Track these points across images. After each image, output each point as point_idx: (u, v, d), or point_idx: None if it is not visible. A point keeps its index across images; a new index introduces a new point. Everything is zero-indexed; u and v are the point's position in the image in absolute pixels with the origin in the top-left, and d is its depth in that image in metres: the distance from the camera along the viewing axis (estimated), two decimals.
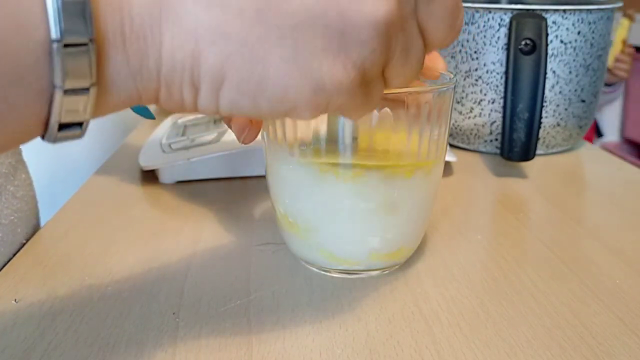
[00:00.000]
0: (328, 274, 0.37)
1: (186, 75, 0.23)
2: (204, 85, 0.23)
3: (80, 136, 0.23)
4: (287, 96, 0.24)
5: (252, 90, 0.23)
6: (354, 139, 0.33)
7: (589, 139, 1.77)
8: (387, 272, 0.37)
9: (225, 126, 0.57)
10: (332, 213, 0.34)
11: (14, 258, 0.39)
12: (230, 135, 0.55)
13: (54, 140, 0.22)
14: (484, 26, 0.58)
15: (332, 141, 0.33)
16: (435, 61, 0.35)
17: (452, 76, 0.35)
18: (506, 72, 0.56)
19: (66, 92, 0.21)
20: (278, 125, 0.34)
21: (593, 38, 0.59)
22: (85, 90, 0.21)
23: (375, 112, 0.32)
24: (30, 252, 0.40)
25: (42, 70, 0.20)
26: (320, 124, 0.33)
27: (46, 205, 0.52)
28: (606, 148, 1.81)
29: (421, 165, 0.34)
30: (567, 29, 0.58)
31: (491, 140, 0.62)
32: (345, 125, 0.32)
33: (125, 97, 0.23)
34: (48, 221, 0.45)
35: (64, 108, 0.21)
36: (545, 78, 0.54)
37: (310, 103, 0.24)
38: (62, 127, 0.22)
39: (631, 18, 1.84)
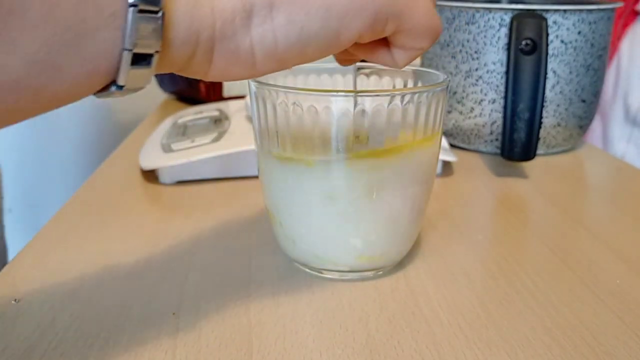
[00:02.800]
0: (320, 274, 0.37)
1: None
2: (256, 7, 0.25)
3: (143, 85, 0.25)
4: None
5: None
6: (346, 137, 0.33)
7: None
8: (380, 272, 0.37)
9: (225, 126, 0.57)
10: (315, 214, 0.35)
11: (14, 258, 0.39)
12: (230, 136, 0.55)
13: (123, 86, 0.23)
14: (484, 26, 0.58)
15: (319, 137, 0.33)
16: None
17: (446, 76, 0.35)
18: (507, 72, 0.56)
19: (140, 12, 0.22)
20: (270, 117, 0.34)
21: (593, 38, 0.59)
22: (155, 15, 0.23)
23: (369, 111, 0.32)
24: (30, 252, 0.40)
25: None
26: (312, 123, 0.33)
27: (46, 206, 0.52)
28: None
29: (414, 153, 0.34)
30: (567, 29, 0.58)
31: (491, 140, 0.62)
32: (339, 123, 0.32)
33: (184, 37, 0.24)
34: (48, 221, 0.45)
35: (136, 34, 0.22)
36: (545, 78, 0.54)
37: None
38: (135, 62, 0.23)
39: None
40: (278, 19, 0.26)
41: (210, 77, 0.27)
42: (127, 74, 0.23)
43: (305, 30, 0.26)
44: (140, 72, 0.24)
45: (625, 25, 0.95)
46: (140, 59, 0.23)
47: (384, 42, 0.31)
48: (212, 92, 0.80)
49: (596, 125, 0.98)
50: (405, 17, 0.28)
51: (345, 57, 0.33)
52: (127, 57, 0.23)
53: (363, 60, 0.34)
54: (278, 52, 0.26)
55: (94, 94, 0.24)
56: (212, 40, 0.25)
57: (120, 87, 0.23)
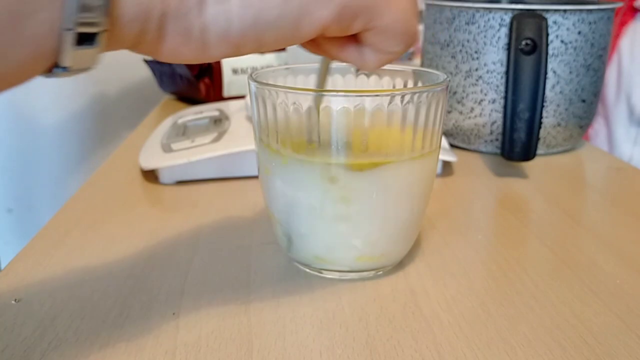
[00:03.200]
0: (320, 274, 0.37)
1: None
2: None
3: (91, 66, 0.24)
4: None
5: None
6: (347, 141, 0.33)
7: None
8: (380, 272, 0.37)
9: (225, 126, 0.57)
10: (315, 214, 0.35)
11: (14, 258, 0.39)
12: (230, 136, 0.55)
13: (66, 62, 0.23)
14: (484, 26, 0.58)
15: (321, 140, 0.33)
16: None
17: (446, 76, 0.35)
18: (507, 72, 0.56)
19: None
20: (270, 117, 0.34)
21: (593, 38, 0.59)
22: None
23: (368, 110, 0.32)
24: (30, 252, 0.40)
25: None
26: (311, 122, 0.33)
27: (42, 209, 0.52)
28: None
29: (414, 153, 0.34)
30: (567, 29, 0.58)
31: (492, 140, 0.62)
32: (338, 124, 0.32)
33: (134, 13, 0.23)
34: (48, 221, 0.45)
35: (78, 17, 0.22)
36: (545, 78, 0.54)
37: None
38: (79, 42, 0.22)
39: None
40: (234, 1, 0.25)
41: (162, 57, 0.26)
42: (72, 55, 0.22)
43: (261, 16, 0.25)
44: (86, 52, 0.23)
45: (623, 24, 0.94)
46: (85, 39, 0.22)
47: (355, 40, 0.30)
48: (212, 92, 0.80)
49: (600, 128, 0.97)
50: (376, 14, 0.27)
51: (314, 50, 0.32)
52: (69, 38, 0.22)
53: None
54: (231, 36, 0.26)
55: (42, 75, 0.23)
56: (164, 17, 0.25)
57: (65, 69, 0.23)
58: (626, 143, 0.93)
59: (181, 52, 0.26)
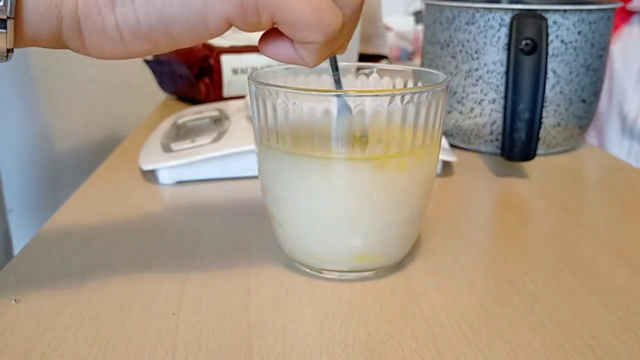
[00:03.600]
0: (320, 274, 0.37)
1: None
2: None
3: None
4: None
5: None
6: (357, 136, 0.33)
7: None
8: (380, 272, 0.37)
9: (225, 126, 0.57)
10: (315, 214, 0.35)
11: (14, 258, 0.39)
12: (230, 136, 0.55)
13: None
14: (484, 26, 0.58)
15: (318, 137, 0.33)
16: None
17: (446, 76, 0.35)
18: (507, 72, 0.56)
19: None
20: (270, 117, 0.34)
21: (593, 38, 0.59)
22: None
23: (368, 110, 0.32)
24: (30, 252, 0.40)
25: None
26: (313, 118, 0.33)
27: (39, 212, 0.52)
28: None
29: (414, 153, 0.34)
30: (567, 29, 0.58)
31: (492, 140, 0.62)
32: (339, 120, 0.32)
33: (43, 9, 0.27)
34: (48, 221, 0.45)
35: None
36: (545, 78, 0.54)
37: None
38: None
39: None
40: (138, 0, 0.28)
41: (89, 53, 0.29)
42: None
43: (165, 12, 0.28)
44: None
45: (616, 28, 0.91)
46: None
47: (288, 38, 0.30)
48: (212, 92, 0.80)
49: (592, 141, 0.94)
50: (278, 7, 0.27)
51: (264, 53, 0.32)
52: None
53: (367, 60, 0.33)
54: (142, 32, 0.28)
55: None
56: (75, 16, 0.28)
57: None
58: (619, 156, 0.91)
59: (104, 49, 0.29)
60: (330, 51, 0.31)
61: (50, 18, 0.28)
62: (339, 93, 0.32)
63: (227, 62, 0.80)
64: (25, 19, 0.27)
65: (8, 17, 0.27)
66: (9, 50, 0.28)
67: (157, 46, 0.29)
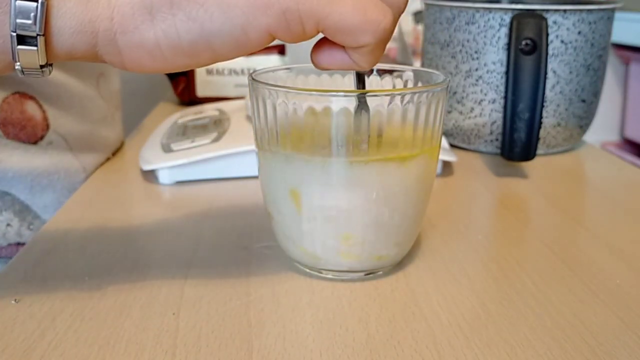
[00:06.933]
0: (320, 274, 0.37)
1: None
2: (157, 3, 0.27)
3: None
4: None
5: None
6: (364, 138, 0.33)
7: None
8: (380, 272, 0.37)
9: (225, 126, 0.57)
10: (315, 214, 0.35)
11: (14, 258, 0.39)
12: (230, 136, 0.55)
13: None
14: (484, 26, 0.58)
15: (319, 137, 0.33)
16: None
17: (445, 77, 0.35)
18: (507, 72, 0.56)
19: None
20: (270, 117, 0.34)
21: (593, 38, 0.59)
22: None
23: (370, 107, 0.32)
24: (30, 252, 0.40)
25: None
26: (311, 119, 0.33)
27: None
28: (606, 148, 1.81)
29: (414, 153, 0.34)
30: (567, 29, 0.58)
31: (492, 140, 0.62)
32: (340, 122, 0.32)
33: (76, 25, 0.27)
34: (48, 221, 0.45)
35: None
36: (545, 78, 0.54)
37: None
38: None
39: None
40: (179, 15, 0.27)
41: (128, 68, 0.29)
42: (17, 53, 0.27)
43: (206, 26, 0.27)
44: (28, 52, 0.27)
45: None
46: (26, 41, 0.27)
47: (339, 45, 0.30)
48: (187, 92, 0.82)
49: None
50: (322, 15, 0.27)
51: (318, 64, 0.32)
52: (14, 38, 0.27)
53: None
54: (183, 47, 0.28)
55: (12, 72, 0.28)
56: (111, 32, 0.27)
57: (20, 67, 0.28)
58: None
59: (144, 64, 0.28)
60: (383, 51, 0.30)
61: (84, 34, 0.27)
62: (355, 93, 0.32)
63: None
64: (57, 35, 0.27)
65: (38, 35, 0.27)
66: (44, 65, 0.28)
67: (198, 60, 0.29)
